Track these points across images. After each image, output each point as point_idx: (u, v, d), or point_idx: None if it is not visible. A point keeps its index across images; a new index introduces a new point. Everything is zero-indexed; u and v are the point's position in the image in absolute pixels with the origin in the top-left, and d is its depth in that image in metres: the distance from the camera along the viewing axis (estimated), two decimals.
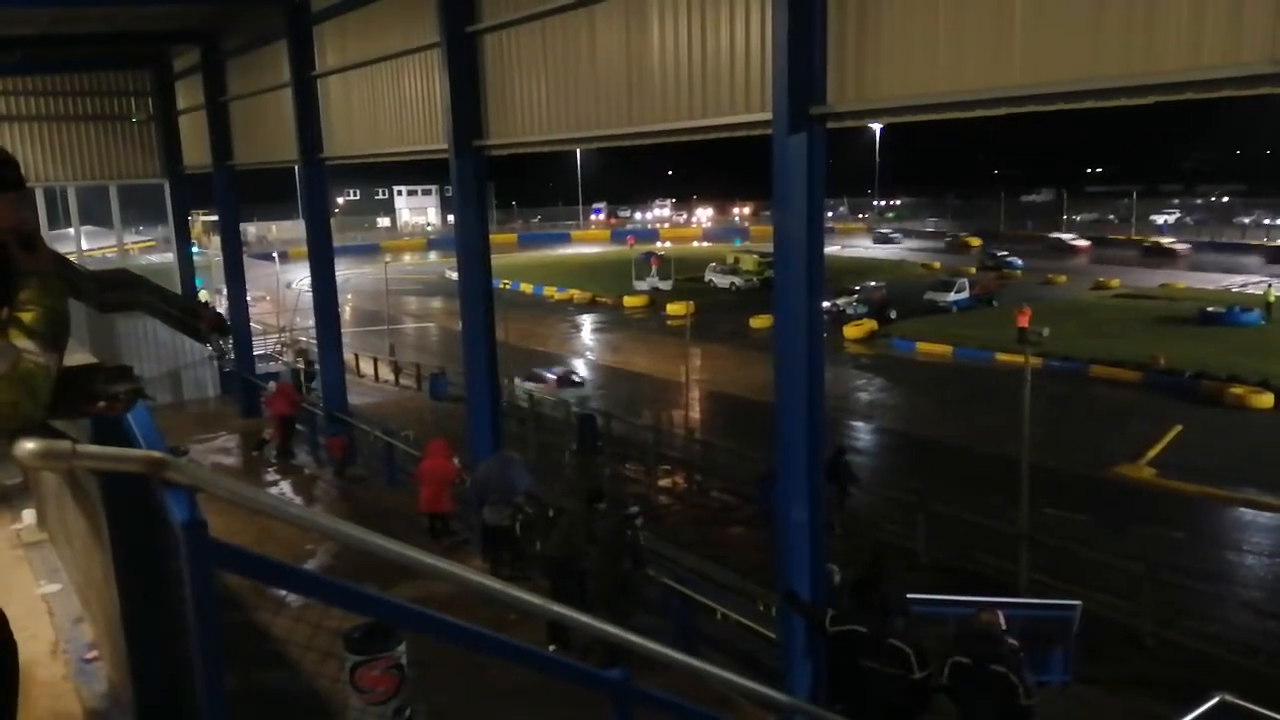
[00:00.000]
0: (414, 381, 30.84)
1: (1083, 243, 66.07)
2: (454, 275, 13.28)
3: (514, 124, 11.54)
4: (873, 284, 44.01)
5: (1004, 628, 6.38)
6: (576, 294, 51.96)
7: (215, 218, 31.10)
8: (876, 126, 77.67)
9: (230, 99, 19.75)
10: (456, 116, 11.97)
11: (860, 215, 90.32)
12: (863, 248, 71.02)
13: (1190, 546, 17.79)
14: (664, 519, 18.53)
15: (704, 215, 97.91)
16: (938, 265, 57.98)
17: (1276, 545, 18.36)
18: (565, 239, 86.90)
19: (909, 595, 8.50)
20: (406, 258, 75.83)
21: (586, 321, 46.35)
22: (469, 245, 12.79)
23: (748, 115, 8.26)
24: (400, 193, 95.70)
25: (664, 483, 21.61)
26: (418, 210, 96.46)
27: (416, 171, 79.80)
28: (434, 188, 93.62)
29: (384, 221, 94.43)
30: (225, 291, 23.96)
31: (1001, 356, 31.11)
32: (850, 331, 37.82)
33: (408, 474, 14.32)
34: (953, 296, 42.80)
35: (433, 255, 74.99)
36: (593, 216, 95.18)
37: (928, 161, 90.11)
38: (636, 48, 9.43)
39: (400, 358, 34.05)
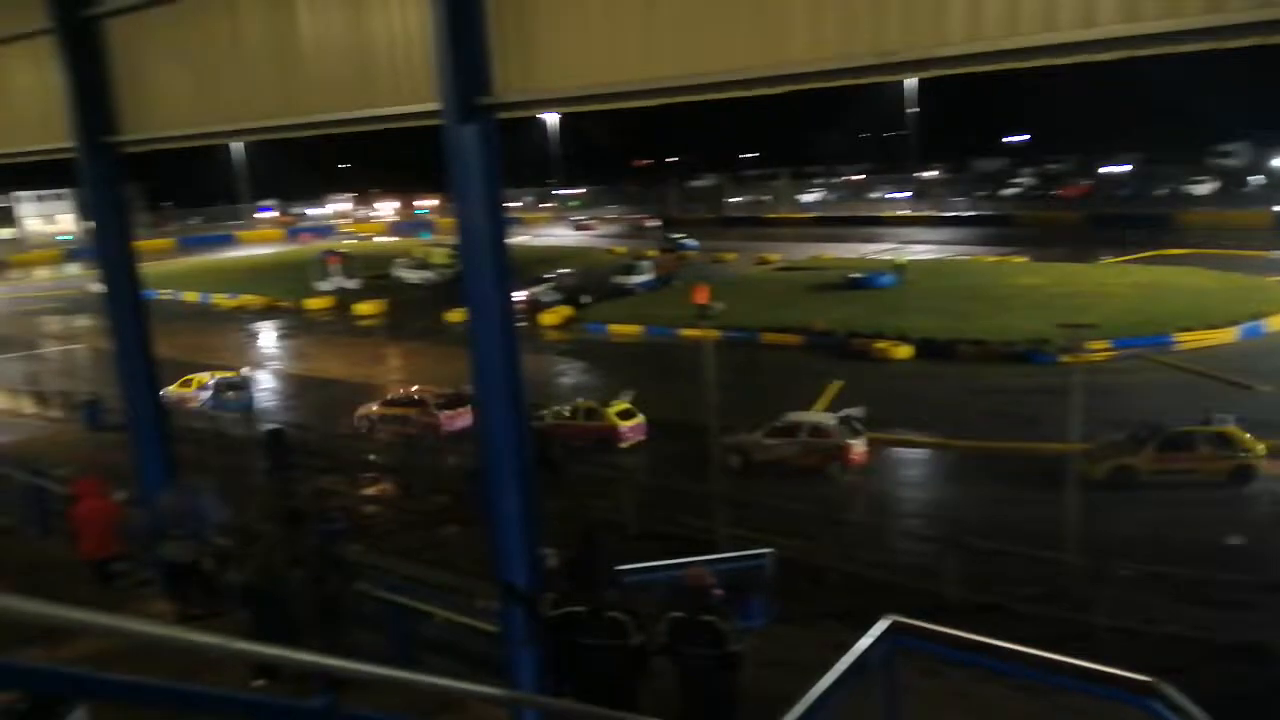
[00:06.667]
0: (64, 411, 27.08)
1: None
2: (99, 288, 11.75)
3: (153, 117, 10.35)
4: (565, 271, 45.06)
5: (710, 582, 6.81)
6: (251, 299, 48.26)
7: None
8: (554, 118, 79.79)
9: None
10: (82, 110, 10.53)
11: (544, 205, 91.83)
12: (552, 237, 72.34)
13: (862, 485, 20.15)
14: (374, 529, 17.85)
15: (388, 209, 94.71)
16: (622, 249, 60.50)
17: (925, 475, 21.26)
18: (229, 240, 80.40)
19: (621, 567, 8.83)
20: (41, 272, 66.45)
21: (266, 329, 43.21)
22: (110, 253, 11.32)
23: (416, 105, 8.06)
24: (21, 199, 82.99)
25: (370, 491, 20.77)
26: (48, 218, 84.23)
27: (42, 174, 69.51)
28: (66, 191, 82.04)
29: (5, 233, 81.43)
30: None
31: (685, 332, 33.15)
32: (547, 319, 38.50)
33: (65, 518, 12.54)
34: (638, 279, 44.91)
35: (74, 267, 65.99)
36: (261, 215, 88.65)
37: (604, 152, 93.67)
38: (283, 33, 8.84)
39: (46, 385, 29.77)
